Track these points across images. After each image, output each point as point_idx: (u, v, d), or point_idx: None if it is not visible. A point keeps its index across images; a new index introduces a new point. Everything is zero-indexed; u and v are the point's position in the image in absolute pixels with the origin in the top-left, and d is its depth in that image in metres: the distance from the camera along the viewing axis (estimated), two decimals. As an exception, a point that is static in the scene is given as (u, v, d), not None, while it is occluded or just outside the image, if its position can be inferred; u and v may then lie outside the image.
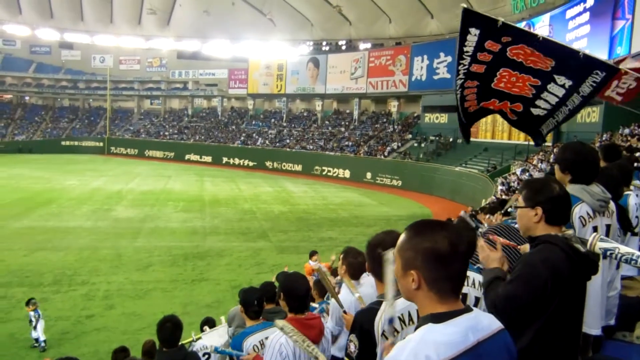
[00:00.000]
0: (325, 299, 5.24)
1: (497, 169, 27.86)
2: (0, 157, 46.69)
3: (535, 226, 2.20)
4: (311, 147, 45.27)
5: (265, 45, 52.13)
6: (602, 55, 17.92)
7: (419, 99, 41.59)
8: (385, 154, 39.14)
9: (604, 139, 19.42)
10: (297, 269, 9.15)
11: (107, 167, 43.20)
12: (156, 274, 14.12)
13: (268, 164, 45.30)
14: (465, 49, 3.48)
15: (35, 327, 9.50)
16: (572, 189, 2.67)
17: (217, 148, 50.15)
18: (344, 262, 3.42)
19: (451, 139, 35.72)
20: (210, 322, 6.73)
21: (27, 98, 63.34)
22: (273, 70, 52.45)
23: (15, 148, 53.24)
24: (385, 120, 45.65)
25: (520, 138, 27.48)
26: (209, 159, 49.47)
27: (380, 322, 1.92)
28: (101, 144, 56.56)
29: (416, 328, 1.46)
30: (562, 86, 3.59)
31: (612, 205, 2.86)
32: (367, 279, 3.20)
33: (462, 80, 3.70)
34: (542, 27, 26.98)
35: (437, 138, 37.20)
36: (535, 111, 3.89)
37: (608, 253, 2.17)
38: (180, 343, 4.11)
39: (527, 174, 21.43)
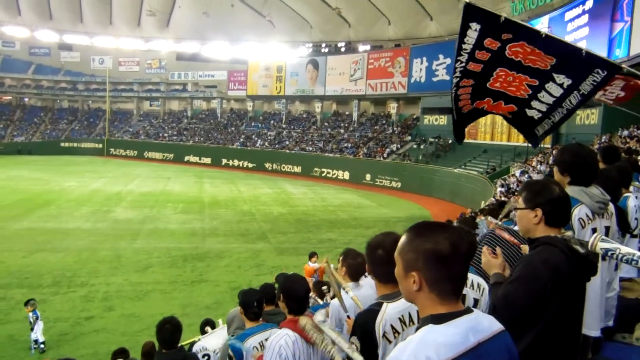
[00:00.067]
0: (323, 302, 5.24)
1: (497, 171, 27.89)
2: (-1, 158, 46.71)
3: (535, 228, 2.21)
4: (310, 148, 45.29)
5: (265, 47, 52.19)
6: (601, 57, 17.90)
7: (418, 101, 41.63)
8: (385, 155, 39.16)
9: (603, 140, 19.42)
10: (297, 271, 9.15)
11: (107, 168, 43.18)
12: (155, 276, 14.11)
13: (267, 165, 45.31)
14: (464, 45, 3.45)
15: (32, 328, 9.47)
16: (571, 190, 2.68)
17: (216, 149, 50.15)
18: (344, 263, 3.42)
19: (450, 141, 35.71)
20: (210, 324, 6.72)
21: (26, 99, 63.30)
22: (272, 72, 52.49)
23: (15, 149, 53.20)
24: (384, 122, 45.67)
25: (519, 140, 27.48)
26: (208, 160, 49.47)
27: (381, 324, 1.92)
28: (100, 146, 56.55)
29: (417, 329, 1.47)
30: (561, 85, 3.58)
31: (611, 207, 2.86)
32: (367, 280, 3.21)
33: (458, 78, 3.68)
34: (541, 29, 26.74)
35: (436, 140, 37.23)
36: (530, 112, 3.87)
37: (609, 253, 2.18)
38: (179, 344, 4.11)
39: (526, 175, 21.45)
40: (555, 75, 3.54)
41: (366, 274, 3.14)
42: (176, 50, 59.40)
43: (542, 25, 27.44)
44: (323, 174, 41.13)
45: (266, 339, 3.14)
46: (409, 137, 40.99)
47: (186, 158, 50.46)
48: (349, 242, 17.27)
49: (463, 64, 3.57)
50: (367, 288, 3.16)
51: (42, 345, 9.46)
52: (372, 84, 44.47)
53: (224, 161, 48.38)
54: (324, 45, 49.92)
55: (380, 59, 43.73)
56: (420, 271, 1.45)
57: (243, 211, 24.92)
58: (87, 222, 20.75)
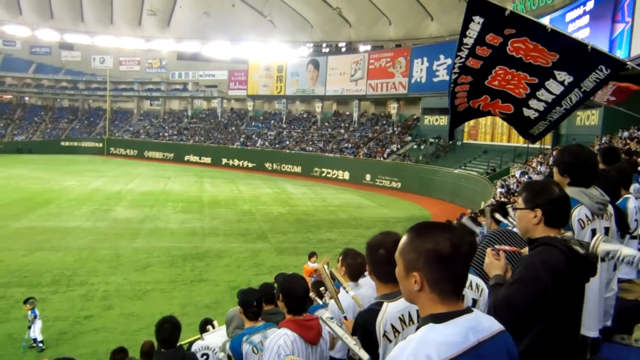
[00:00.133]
0: (322, 302, 5.24)
1: (497, 172, 27.89)
2: (-1, 157, 46.73)
3: (534, 228, 2.21)
4: (311, 148, 45.30)
5: (265, 47, 52.20)
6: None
7: (418, 101, 41.64)
8: (385, 155, 39.17)
9: (603, 141, 19.43)
10: (296, 270, 9.15)
11: (107, 167, 43.18)
12: (155, 275, 14.11)
13: (267, 165, 45.32)
14: (465, 40, 3.40)
15: (30, 327, 9.46)
16: (571, 191, 2.67)
17: (216, 149, 50.16)
18: (343, 263, 3.42)
19: (450, 141, 35.76)
20: (209, 323, 6.72)
21: (26, 98, 63.33)
22: (273, 71, 52.50)
23: (15, 148, 53.24)
24: (384, 122, 45.69)
25: (519, 141, 27.45)
26: (208, 160, 49.47)
27: (381, 323, 1.93)
28: (101, 145, 56.56)
29: (417, 328, 1.47)
30: (562, 83, 3.54)
31: (610, 208, 2.87)
32: (366, 280, 3.21)
33: (457, 74, 3.64)
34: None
35: (436, 140, 37.24)
36: (527, 112, 3.84)
37: (610, 255, 2.18)
38: (178, 344, 4.11)
39: (526, 176, 21.46)
40: (556, 73, 3.50)
41: (365, 273, 3.14)
42: (177, 50, 59.44)
43: (542, 26, 27.45)
44: (323, 174, 41.14)
45: (266, 339, 3.15)
46: (409, 138, 41.00)
47: (186, 157, 50.48)
48: (348, 242, 17.28)
49: (462, 60, 3.52)
50: (366, 288, 3.16)
51: (40, 344, 9.45)
52: (372, 84, 44.48)
53: (224, 161, 48.39)
54: (324, 45, 49.94)
55: (380, 59, 43.75)
56: (422, 271, 1.46)
57: (243, 211, 24.92)
58: (87, 221, 20.75)
